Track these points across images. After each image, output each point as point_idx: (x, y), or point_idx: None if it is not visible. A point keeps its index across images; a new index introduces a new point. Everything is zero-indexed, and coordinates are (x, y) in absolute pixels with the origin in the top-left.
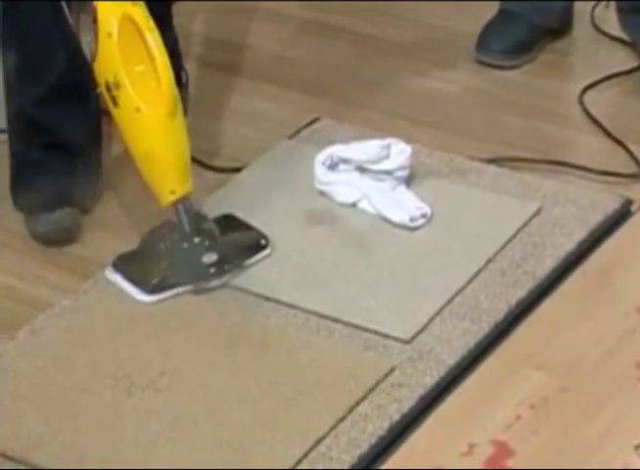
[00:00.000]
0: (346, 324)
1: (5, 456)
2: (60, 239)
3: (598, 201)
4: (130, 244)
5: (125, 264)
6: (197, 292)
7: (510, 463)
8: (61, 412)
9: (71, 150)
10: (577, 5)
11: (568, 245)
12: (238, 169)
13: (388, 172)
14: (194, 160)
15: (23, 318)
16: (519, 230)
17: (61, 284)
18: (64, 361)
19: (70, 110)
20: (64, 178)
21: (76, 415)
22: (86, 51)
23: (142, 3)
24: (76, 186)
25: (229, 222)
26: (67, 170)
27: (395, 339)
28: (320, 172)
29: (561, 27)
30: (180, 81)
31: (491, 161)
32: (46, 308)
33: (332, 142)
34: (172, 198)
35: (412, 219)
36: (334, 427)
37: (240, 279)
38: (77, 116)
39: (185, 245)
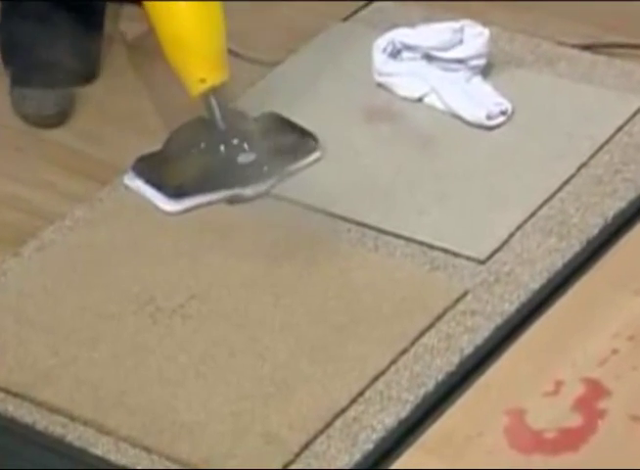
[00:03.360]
0: (410, 240)
1: (8, 392)
2: (45, 124)
3: None
4: (154, 144)
5: (148, 168)
6: (232, 201)
7: (604, 404)
8: (73, 341)
9: (69, 9)
10: None
11: None
12: (283, 58)
13: (460, 61)
14: (230, 48)
15: (29, 231)
16: (618, 129)
17: (73, 191)
18: (76, 282)
19: None
20: (56, 45)
21: (91, 345)
22: None
23: None
24: (72, 57)
25: (272, 121)
26: (60, 35)
27: (468, 258)
28: (380, 61)
29: None
30: None
31: (586, 47)
32: (55, 220)
33: (394, 25)
34: (202, 87)
35: (489, 117)
36: (394, 361)
37: (284, 187)
38: None
39: (218, 145)
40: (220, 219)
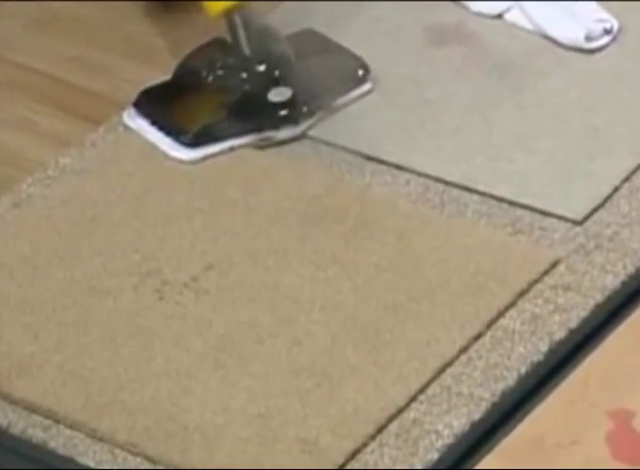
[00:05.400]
0: (486, 196)
1: None
2: None
3: None
4: (162, 74)
5: (154, 104)
6: (261, 146)
7: None
8: (58, 323)
9: None
10: None
11: None
12: None
13: None
14: None
15: (3, 184)
16: None
17: (58, 133)
18: (62, 248)
19: None
20: None
21: (81, 328)
22: None
23: None
24: None
25: (310, 42)
26: None
27: (560, 218)
28: None
29: None
30: None
31: None
32: (36, 169)
33: None
34: (224, 5)
35: (589, 37)
36: (465, 348)
37: (327, 128)
38: None
39: (243, 75)
40: (245, 169)
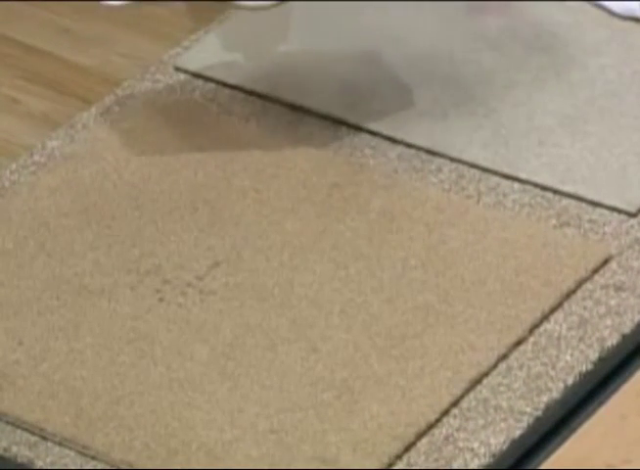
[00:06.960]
0: (528, 184)
1: None
2: None
3: None
4: (162, 45)
5: None
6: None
7: None
8: (45, 327)
9: None
10: None
11: None
12: None
13: None
14: None
15: None
16: None
17: (44, 113)
18: (49, 243)
19: None
20: None
21: (71, 332)
22: None
23: None
24: None
25: None
26: None
27: (612, 209)
28: None
29: None
30: None
31: None
32: (20, 154)
33: None
34: None
35: None
36: (504, 356)
37: (345, 108)
38: None
39: None
40: (255, 154)
